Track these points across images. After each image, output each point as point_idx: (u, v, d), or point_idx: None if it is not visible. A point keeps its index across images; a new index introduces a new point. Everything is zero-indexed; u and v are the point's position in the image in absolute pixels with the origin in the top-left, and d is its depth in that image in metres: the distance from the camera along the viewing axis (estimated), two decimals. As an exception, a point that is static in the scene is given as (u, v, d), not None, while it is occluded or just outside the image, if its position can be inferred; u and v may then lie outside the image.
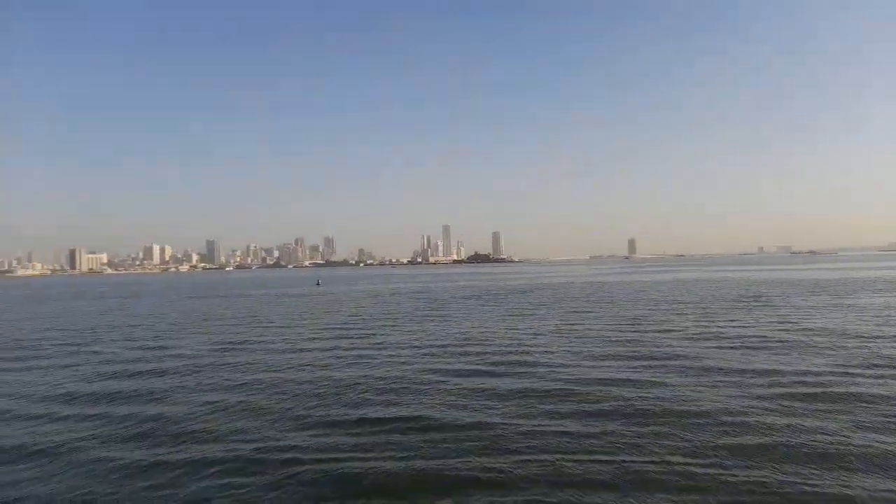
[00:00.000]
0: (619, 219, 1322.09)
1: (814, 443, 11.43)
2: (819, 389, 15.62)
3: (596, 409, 14.38)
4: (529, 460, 10.84)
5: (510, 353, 23.11)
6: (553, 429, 12.78)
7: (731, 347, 23.07)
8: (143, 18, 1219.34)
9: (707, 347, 23.22)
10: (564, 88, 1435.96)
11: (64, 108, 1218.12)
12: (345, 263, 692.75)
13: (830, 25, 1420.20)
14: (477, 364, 20.82)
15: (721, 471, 10.15)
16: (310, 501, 9.46)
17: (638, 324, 31.47)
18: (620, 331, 28.77)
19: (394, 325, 34.55)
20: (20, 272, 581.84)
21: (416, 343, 26.69)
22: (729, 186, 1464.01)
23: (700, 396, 15.24)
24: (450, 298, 58.68)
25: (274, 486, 10.08)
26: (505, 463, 10.74)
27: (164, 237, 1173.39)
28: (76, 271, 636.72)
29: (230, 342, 29.06)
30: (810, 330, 27.48)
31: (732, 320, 32.09)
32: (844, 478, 9.73)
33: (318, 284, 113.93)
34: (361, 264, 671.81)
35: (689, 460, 10.69)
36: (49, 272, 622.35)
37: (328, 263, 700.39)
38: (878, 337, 24.83)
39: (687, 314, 35.77)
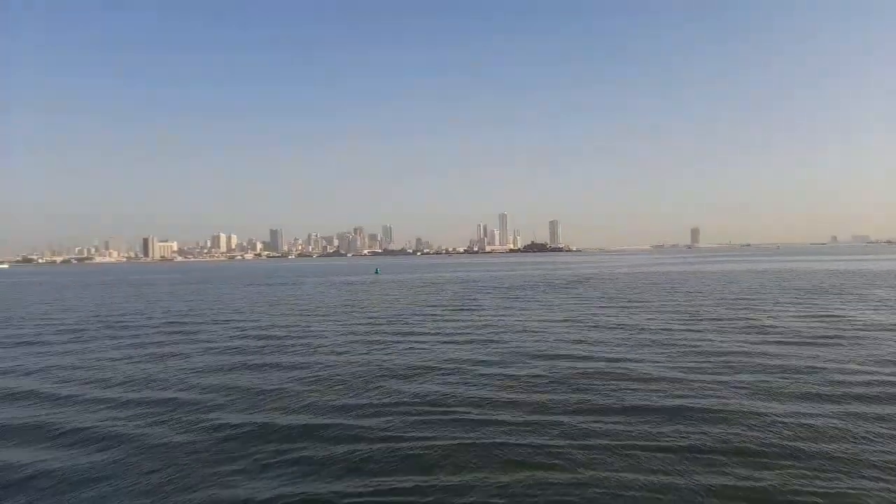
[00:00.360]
0: (682, 207, 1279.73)
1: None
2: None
3: (645, 404, 13.97)
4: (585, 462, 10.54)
5: (567, 345, 22.85)
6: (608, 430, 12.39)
7: (813, 343, 21.68)
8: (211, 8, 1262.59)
9: (780, 343, 21.87)
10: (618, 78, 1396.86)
11: (131, 104, 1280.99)
12: (402, 252, 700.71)
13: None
14: (528, 356, 20.55)
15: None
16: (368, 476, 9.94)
17: (706, 316, 30.17)
18: (685, 324, 27.62)
19: (450, 314, 34.90)
20: (98, 259, 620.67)
21: (472, 332, 26.84)
22: (798, 174, 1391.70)
23: (773, 404, 13.74)
24: (505, 287, 58.65)
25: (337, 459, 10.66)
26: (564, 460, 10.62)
27: (230, 226, 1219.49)
28: (149, 258, 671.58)
29: (294, 327, 30.21)
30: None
31: (810, 315, 30.72)
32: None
33: (376, 272, 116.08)
34: (418, 253, 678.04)
35: (765, 474, 9.75)
36: (124, 259, 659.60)
37: (386, 252, 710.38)
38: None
39: (760, 305, 34.61)
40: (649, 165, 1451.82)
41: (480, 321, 30.99)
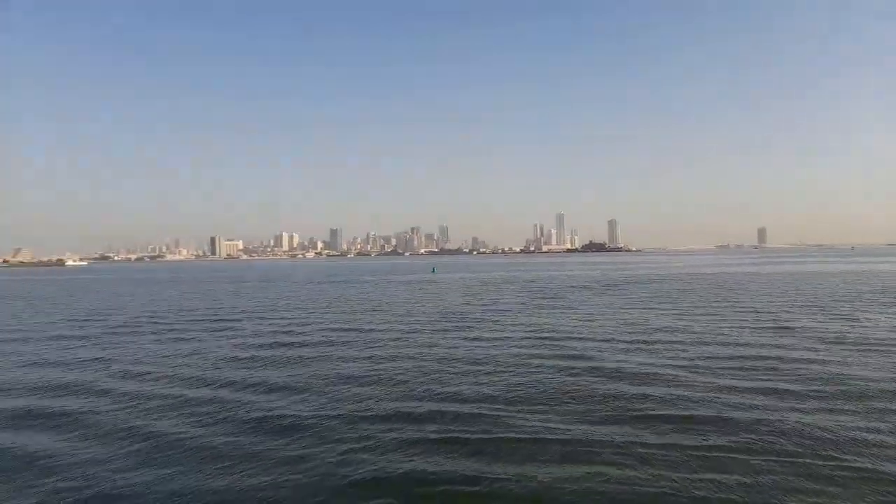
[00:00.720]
0: (749, 206, 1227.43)
1: None
2: None
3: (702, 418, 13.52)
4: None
5: (623, 351, 22.59)
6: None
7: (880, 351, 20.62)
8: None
9: (852, 351, 20.66)
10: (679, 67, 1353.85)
11: (198, 109, 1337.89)
12: (458, 251, 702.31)
13: None
14: (583, 360, 20.42)
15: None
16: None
17: (779, 324, 28.21)
18: (756, 331, 26.03)
19: (505, 314, 34.99)
20: (169, 257, 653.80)
21: (526, 332, 26.92)
22: (877, 172, 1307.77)
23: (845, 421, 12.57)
24: (561, 288, 58.14)
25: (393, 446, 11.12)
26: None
27: (292, 225, 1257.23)
28: (216, 256, 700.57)
29: (355, 323, 31.16)
30: None
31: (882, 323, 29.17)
32: None
33: (433, 272, 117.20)
34: (474, 252, 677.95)
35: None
36: (193, 257, 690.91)
37: (442, 251, 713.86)
38: None
39: (836, 310, 33.07)
40: (713, 163, 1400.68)
41: (537, 321, 31.01)
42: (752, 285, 55.33)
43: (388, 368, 19.10)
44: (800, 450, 10.91)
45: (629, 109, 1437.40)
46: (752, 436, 11.68)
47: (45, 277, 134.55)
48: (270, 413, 14.02)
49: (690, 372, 17.60)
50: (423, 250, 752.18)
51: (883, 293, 43.20)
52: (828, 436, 11.63)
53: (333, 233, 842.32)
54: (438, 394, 15.57)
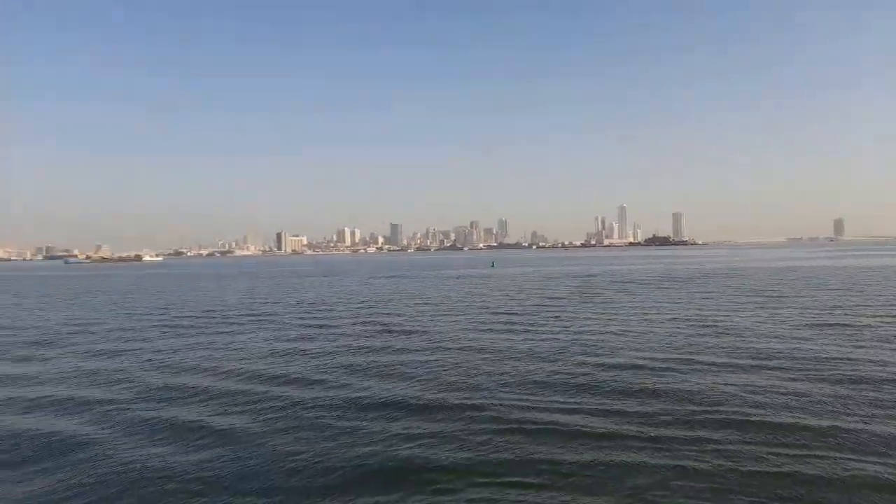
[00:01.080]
0: (824, 197, 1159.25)
1: None
2: None
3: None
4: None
5: (684, 344, 22.57)
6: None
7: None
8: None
9: None
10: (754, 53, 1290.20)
11: (265, 110, 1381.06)
12: (517, 246, 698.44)
13: None
14: (643, 359, 20.59)
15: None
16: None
17: (851, 323, 26.97)
18: (819, 328, 25.29)
19: (567, 309, 35.20)
20: (238, 252, 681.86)
21: (592, 328, 27.15)
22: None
23: None
24: (623, 282, 57.47)
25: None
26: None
27: (354, 221, 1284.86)
28: (282, 252, 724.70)
29: (417, 317, 32.28)
30: None
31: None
32: None
33: (492, 266, 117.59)
34: (534, 247, 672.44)
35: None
36: (260, 252, 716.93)
37: (501, 246, 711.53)
38: None
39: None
40: (786, 153, 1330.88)
41: (599, 316, 31.16)
42: (828, 280, 53.03)
43: (451, 362, 19.91)
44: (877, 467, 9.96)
45: (697, 96, 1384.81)
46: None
47: (126, 272, 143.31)
48: (350, 398, 15.15)
49: (759, 376, 16.94)
50: (481, 245, 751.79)
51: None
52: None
53: (394, 228, 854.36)
54: (495, 385, 16.26)
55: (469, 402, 14.43)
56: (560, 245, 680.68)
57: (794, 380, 15.75)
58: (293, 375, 18.16)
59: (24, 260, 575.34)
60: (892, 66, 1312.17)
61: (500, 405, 14.06)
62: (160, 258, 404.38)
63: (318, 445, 11.62)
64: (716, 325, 25.98)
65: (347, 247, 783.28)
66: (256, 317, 34.70)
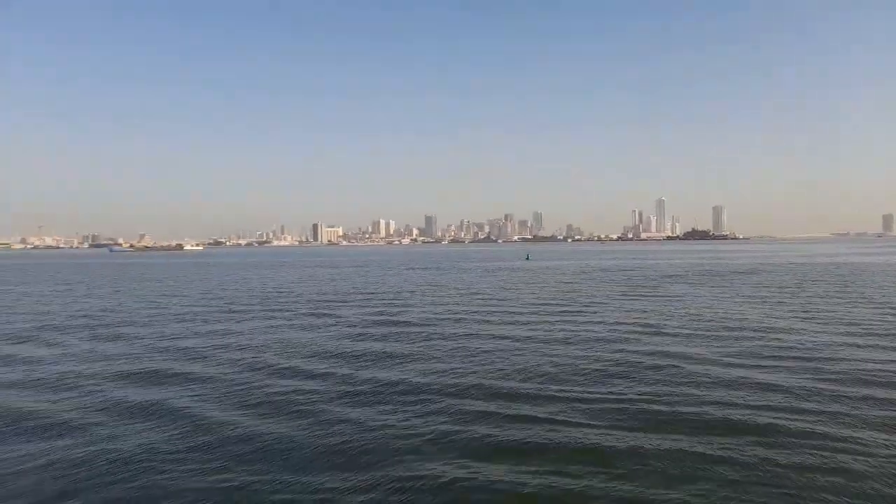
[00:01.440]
0: (871, 191, 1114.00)
1: None
2: None
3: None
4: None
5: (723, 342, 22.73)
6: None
7: None
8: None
9: None
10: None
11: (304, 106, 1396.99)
12: (552, 239, 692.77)
13: None
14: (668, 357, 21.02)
15: None
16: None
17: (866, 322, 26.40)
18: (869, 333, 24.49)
19: (601, 303, 35.49)
20: (275, 242, 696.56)
21: (624, 322, 27.41)
22: None
23: None
24: (660, 277, 57.18)
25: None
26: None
27: (389, 212, 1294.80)
28: (318, 243, 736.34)
29: (452, 309, 33.10)
30: None
31: None
32: None
33: (527, 259, 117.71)
34: (569, 240, 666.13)
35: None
36: (297, 243, 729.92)
37: (536, 239, 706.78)
38: None
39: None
40: (832, 144, 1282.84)
41: (634, 312, 31.40)
42: (876, 278, 51.86)
43: (482, 356, 20.60)
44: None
45: (736, 88, 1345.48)
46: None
47: (170, 261, 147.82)
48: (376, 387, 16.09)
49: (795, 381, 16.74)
50: (516, 237, 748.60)
51: None
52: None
53: (428, 219, 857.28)
54: (533, 379, 16.96)
55: (507, 391, 15.21)
56: (596, 238, 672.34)
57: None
58: (329, 362, 19.24)
59: (71, 248, 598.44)
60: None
61: (545, 396, 14.81)
62: (200, 247, 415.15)
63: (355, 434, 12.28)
64: (749, 325, 26.08)
65: (382, 238, 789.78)
66: (318, 309, 36.07)
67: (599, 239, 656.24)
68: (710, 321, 26.29)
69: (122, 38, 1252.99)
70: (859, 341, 20.87)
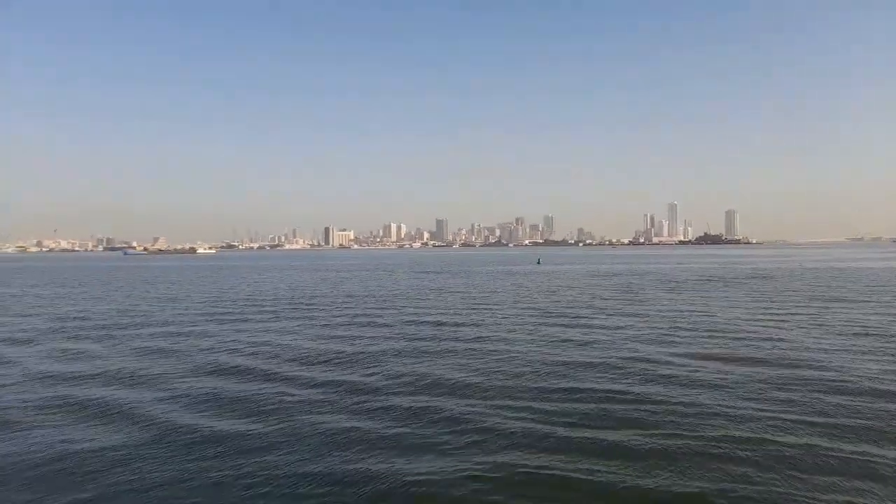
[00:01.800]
0: (887, 196, 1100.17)
1: None
2: None
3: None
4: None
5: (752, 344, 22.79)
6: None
7: None
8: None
9: None
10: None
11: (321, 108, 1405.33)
12: (563, 243, 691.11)
13: None
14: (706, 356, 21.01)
15: None
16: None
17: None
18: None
19: (614, 307, 35.50)
20: (287, 246, 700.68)
21: (638, 327, 27.43)
22: None
23: None
24: (673, 281, 56.95)
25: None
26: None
27: (400, 216, 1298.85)
28: (329, 246, 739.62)
29: (463, 314, 33.21)
30: None
31: None
32: None
33: (538, 262, 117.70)
34: (580, 244, 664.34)
35: None
36: (308, 246, 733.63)
37: (547, 243, 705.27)
38: None
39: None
40: (844, 150, 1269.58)
41: (649, 315, 31.40)
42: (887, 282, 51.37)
43: (495, 362, 20.68)
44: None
45: (749, 88, 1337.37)
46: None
47: (184, 264, 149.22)
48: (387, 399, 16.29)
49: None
50: (527, 241, 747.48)
51: None
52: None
53: (439, 223, 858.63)
54: (553, 383, 17.09)
55: (533, 405, 15.33)
56: (607, 243, 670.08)
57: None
58: (347, 366, 19.48)
59: (86, 250, 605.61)
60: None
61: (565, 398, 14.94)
62: (213, 251, 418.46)
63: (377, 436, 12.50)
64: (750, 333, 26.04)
65: (393, 241, 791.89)
66: (337, 307, 36.40)
67: (611, 243, 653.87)
68: (706, 328, 26.31)
69: (122, 38, 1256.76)
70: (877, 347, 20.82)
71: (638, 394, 14.74)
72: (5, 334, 27.07)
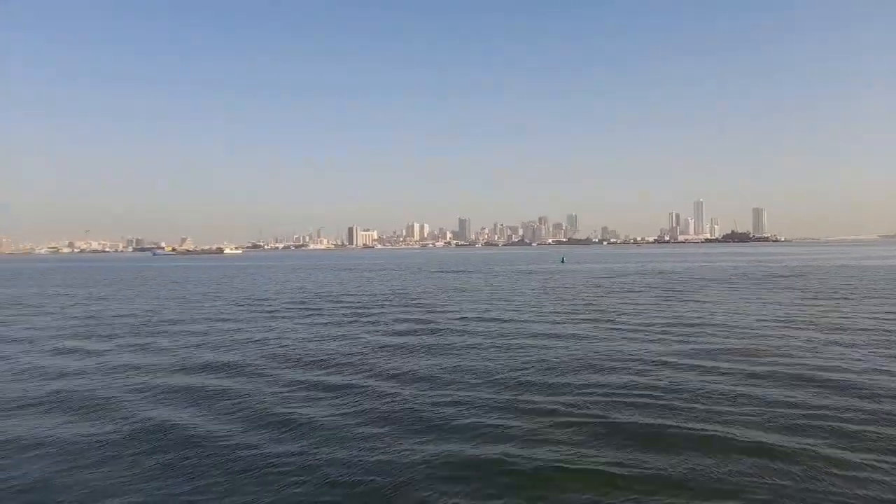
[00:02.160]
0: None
1: None
2: None
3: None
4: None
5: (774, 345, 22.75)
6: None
7: None
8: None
9: None
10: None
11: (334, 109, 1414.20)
12: (587, 242, 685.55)
13: None
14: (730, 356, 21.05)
15: None
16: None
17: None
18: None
19: (638, 307, 35.38)
20: (311, 246, 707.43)
21: (663, 326, 27.26)
22: None
23: None
24: (691, 280, 56.44)
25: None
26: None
27: (423, 216, 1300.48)
28: (353, 246, 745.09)
29: (483, 312, 33.54)
30: None
31: None
32: None
33: (562, 261, 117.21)
34: (604, 242, 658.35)
35: None
36: (332, 246, 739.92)
37: (570, 241, 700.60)
38: None
39: None
40: (875, 145, 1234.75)
41: (673, 314, 31.34)
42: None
43: (517, 361, 20.98)
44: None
45: (779, 84, 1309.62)
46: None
47: (213, 264, 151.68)
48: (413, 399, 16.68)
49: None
50: (550, 240, 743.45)
51: None
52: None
53: (462, 223, 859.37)
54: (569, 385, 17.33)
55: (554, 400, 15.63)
56: (632, 241, 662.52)
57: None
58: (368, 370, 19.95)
59: (116, 251, 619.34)
60: None
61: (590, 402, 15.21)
62: (239, 251, 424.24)
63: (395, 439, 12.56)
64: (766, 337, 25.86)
65: (416, 241, 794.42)
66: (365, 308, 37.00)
67: (635, 241, 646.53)
68: (730, 326, 26.19)
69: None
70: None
71: (665, 388, 14.91)
72: (85, 332, 28.19)
